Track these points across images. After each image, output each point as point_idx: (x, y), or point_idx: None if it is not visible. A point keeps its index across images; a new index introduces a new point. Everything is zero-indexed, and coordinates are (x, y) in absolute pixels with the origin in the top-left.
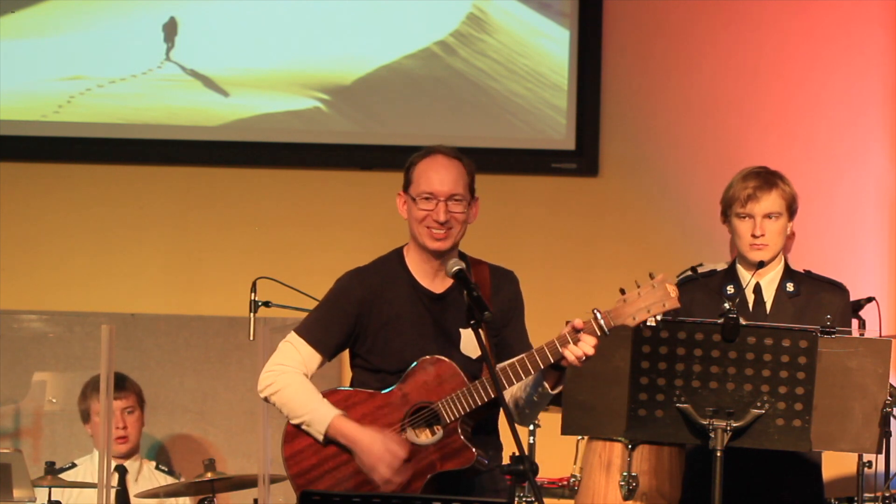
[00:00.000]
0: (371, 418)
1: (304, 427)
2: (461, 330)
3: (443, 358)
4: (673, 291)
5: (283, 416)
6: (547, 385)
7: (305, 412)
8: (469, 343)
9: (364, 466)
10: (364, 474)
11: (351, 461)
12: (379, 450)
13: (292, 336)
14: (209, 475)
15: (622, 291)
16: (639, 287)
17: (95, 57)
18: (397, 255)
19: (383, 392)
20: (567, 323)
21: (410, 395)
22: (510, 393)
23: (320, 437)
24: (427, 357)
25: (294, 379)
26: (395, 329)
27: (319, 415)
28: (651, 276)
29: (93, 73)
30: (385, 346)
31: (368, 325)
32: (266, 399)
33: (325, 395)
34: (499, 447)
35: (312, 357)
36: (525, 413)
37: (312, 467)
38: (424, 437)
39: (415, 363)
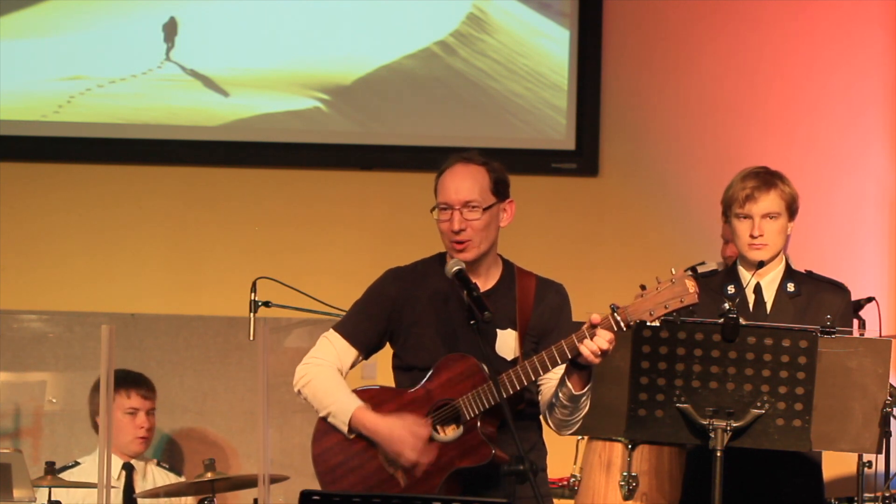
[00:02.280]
0: (397, 415)
1: (330, 419)
2: (498, 331)
3: (467, 355)
4: (692, 287)
5: (314, 410)
6: (571, 385)
7: (330, 403)
8: (505, 344)
9: (390, 454)
10: (387, 471)
11: (375, 458)
12: (400, 434)
13: (329, 331)
14: (209, 475)
15: (642, 287)
16: (659, 283)
17: (95, 57)
18: (439, 257)
19: (410, 390)
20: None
21: (434, 391)
22: (546, 399)
23: (344, 429)
24: (452, 354)
25: (323, 372)
26: (427, 327)
27: (343, 406)
28: (672, 272)
29: (93, 73)
30: (417, 344)
31: (401, 322)
32: (298, 392)
33: (355, 392)
34: (537, 446)
35: (347, 351)
36: (559, 419)
37: (338, 465)
38: (446, 433)
39: (441, 360)
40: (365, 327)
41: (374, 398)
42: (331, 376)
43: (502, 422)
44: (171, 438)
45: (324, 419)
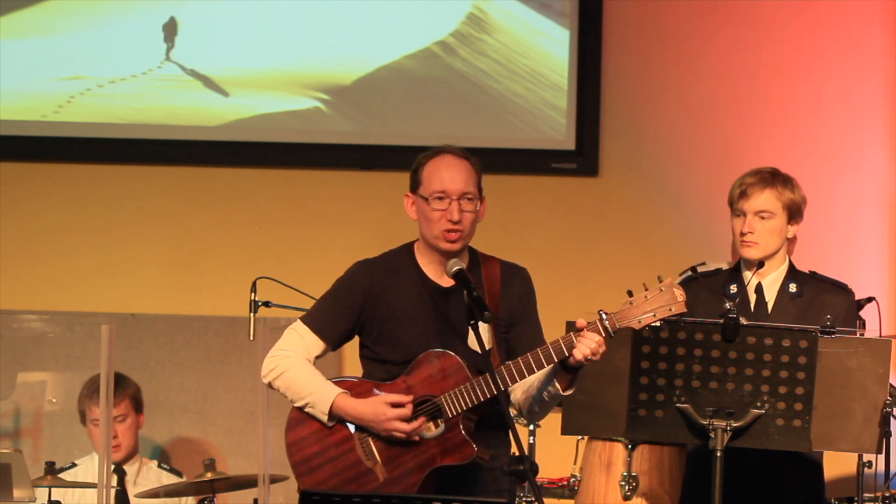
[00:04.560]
0: (377, 396)
1: (307, 409)
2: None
3: (448, 352)
4: (680, 296)
5: (288, 400)
6: (559, 385)
7: (308, 393)
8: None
9: (382, 433)
10: (365, 464)
11: (352, 451)
12: (385, 410)
13: (297, 323)
14: (209, 475)
15: (629, 294)
16: (646, 290)
17: (95, 57)
18: (407, 249)
19: (388, 383)
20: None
21: (415, 387)
22: (524, 390)
23: (324, 418)
24: (433, 350)
25: (296, 362)
26: (401, 321)
27: (322, 395)
28: (659, 280)
29: (93, 73)
30: (391, 338)
31: (374, 315)
32: (269, 385)
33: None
34: (505, 443)
35: (315, 344)
36: (534, 411)
37: (314, 455)
38: (427, 430)
39: (420, 356)
40: (335, 321)
41: (352, 389)
42: (304, 366)
43: (478, 421)
44: (171, 439)
45: (300, 409)
